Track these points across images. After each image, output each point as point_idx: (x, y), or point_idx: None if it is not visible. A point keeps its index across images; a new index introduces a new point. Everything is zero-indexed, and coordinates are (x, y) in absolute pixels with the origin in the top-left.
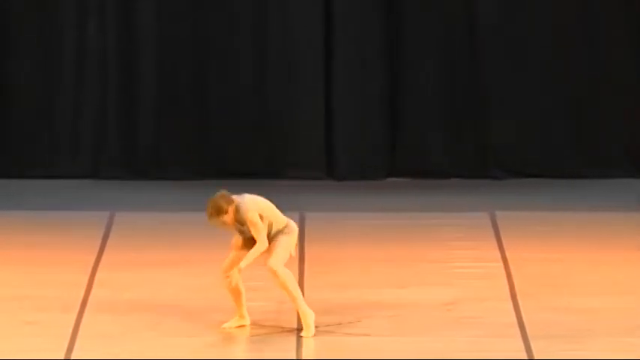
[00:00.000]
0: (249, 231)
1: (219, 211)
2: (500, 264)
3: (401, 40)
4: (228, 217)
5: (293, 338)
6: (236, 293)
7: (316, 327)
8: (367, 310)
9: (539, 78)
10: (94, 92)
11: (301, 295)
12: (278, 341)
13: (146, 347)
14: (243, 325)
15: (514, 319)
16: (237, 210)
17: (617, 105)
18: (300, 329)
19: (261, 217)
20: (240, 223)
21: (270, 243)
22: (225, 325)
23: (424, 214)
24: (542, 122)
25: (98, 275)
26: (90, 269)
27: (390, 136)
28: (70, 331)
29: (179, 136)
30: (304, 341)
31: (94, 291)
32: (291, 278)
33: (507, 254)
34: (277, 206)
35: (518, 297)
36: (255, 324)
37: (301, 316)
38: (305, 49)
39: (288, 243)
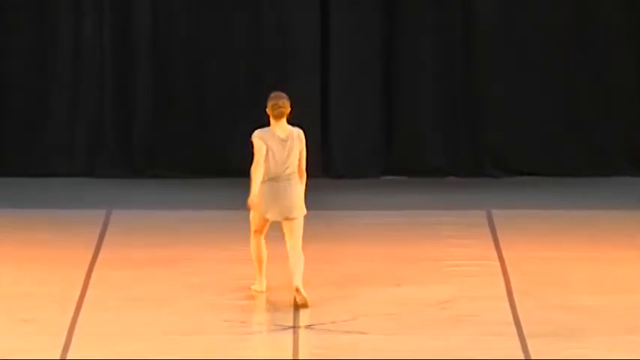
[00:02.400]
0: None
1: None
2: (497, 262)
3: (398, 38)
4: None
5: (289, 336)
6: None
7: (312, 325)
8: (363, 308)
9: (537, 77)
10: (91, 91)
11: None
12: (274, 339)
13: (143, 346)
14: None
15: (510, 318)
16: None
17: (616, 104)
18: (295, 327)
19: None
20: None
21: None
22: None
23: (421, 212)
24: (539, 121)
25: (95, 273)
26: (86, 267)
27: (387, 134)
28: (67, 329)
29: (175, 134)
30: (300, 339)
31: (90, 289)
32: (252, 248)
33: (504, 252)
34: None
35: (515, 295)
36: (251, 322)
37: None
38: (302, 48)
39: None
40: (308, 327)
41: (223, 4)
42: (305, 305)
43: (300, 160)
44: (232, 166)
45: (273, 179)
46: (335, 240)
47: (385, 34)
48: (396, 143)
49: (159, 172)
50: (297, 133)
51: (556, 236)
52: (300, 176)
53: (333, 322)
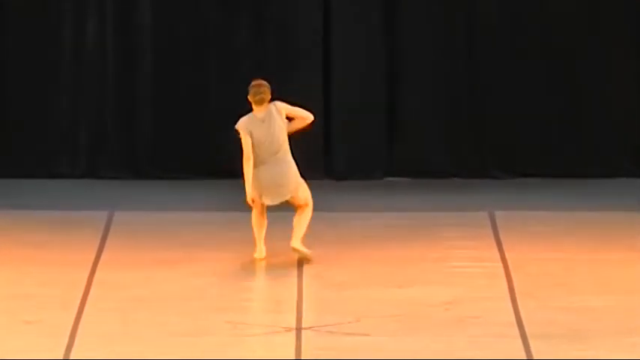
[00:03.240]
0: None
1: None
2: (500, 263)
3: (399, 39)
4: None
5: (291, 337)
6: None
7: (315, 327)
8: (366, 309)
9: (539, 77)
10: (93, 92)
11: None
12: (276, 340)
13: (145, 346)
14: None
15: (513, 319)
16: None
17: (618, 105)
18: (298, 328)
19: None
20: None
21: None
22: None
23: (423, 214)
24: (542, 122)
25: (97, 274)
26: (89, 268)
27: (389, 135)
28: (69, 330)
29: (178, 135)
30: (303, 341)
31: (93, 290)
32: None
33: (507, 254)
34: (276, 206)
35: (518, 296)
36: (253, 323)
37: None
38: (303, 49)
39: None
40: (310, 329)
41: (224, 3)
42: (307, 259)
43: (294, 115)
44: (235, 168)
45: (264, 163)
46: (337, 242)
47: (386, 34)
48: (398, 144)
49: (161, 174)
50: (274, 107)
51: (559, 237)
52: (302, 121)
53: (335, 324)
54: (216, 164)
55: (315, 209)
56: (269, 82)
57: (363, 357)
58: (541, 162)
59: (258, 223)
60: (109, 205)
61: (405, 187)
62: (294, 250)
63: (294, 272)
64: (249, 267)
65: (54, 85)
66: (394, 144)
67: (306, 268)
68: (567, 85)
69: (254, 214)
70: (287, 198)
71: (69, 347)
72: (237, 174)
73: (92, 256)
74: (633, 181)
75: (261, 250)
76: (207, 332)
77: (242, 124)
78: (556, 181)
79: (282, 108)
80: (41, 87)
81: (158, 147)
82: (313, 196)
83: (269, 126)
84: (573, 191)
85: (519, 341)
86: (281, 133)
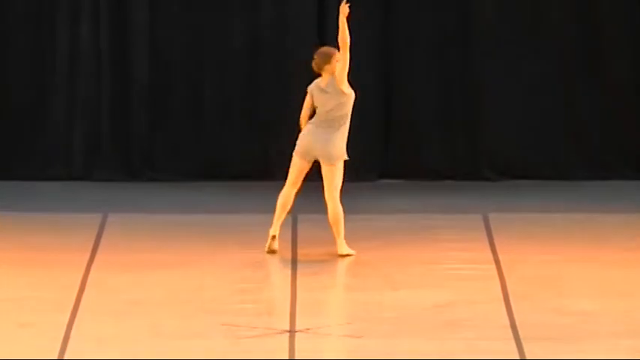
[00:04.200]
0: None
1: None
2: (493, 266)
3: (394, 41)
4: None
5: (285, 340)
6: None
7: (309, 329)
8: (359, 312)
9: (534, 79)
10: (88, 93)
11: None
12: (270, 343)
13: (140, 349)
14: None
15: (507, 321)
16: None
17: (615, 107)
18: (292, 331)
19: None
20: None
21: None
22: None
23: (417, 216)
24: (537, 124)
25: (91, 276)
26: (83, 270)
27: (383, 137)
28: (63, 332)
29: (173, 137)
30: (297, 343)
31: (87, 292)
32: (281, 194)
33: (500, 256)
34: (270, 208)
35: (511, 299)
36: (246, 326)
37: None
38: (299, 49)
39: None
40: (304, 331)
41: (220, 5)
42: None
43: (344, 55)
44: (230, 170)
45: (317, 123)
46: (331, 244)
47: (382, 36)
48: (393, 147)
49: (156, 176)
50: (335, 80)
51: (553, 239)
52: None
53: (329, 326)
54: (210, 166)
55: (309, 211)
56: (266, 83)
57: (356, 359)
58: (535, 164)
59: (283, 204)
60: (104, 207)
61: (399, 189)
62: (342, 256)
63: (288, 274)
64: (243, 269)
65: (48, 87)
66: (388, 146)
67: (299, 270)
68: (562, 86)
69: (284, 192)
70: (324, 162)
71: (62, 349)
72: (233, 177)
73: (86, 258)
74: (629, 183)
75: (275, 228)
76: (201, 335)
77: (311, 85)
78: (550, 183)
79: (339, 78)
80: (35, 90)
81: (153, 149)
82: (307, 198)
83: (330, 97)
84: (568, 193)
85: (513, 343)
86: (341, 108)
